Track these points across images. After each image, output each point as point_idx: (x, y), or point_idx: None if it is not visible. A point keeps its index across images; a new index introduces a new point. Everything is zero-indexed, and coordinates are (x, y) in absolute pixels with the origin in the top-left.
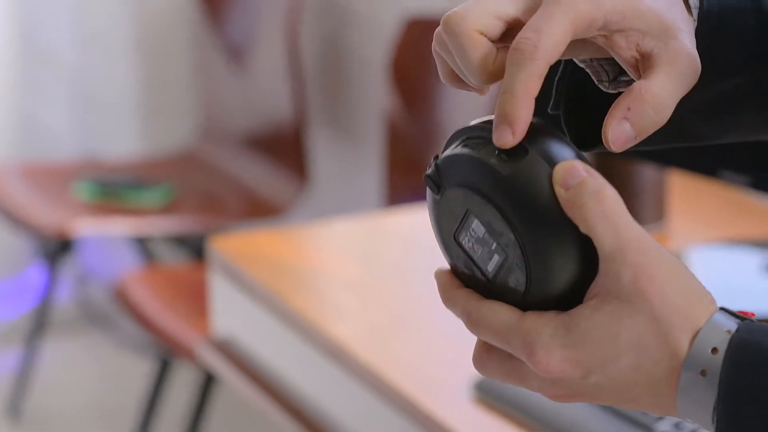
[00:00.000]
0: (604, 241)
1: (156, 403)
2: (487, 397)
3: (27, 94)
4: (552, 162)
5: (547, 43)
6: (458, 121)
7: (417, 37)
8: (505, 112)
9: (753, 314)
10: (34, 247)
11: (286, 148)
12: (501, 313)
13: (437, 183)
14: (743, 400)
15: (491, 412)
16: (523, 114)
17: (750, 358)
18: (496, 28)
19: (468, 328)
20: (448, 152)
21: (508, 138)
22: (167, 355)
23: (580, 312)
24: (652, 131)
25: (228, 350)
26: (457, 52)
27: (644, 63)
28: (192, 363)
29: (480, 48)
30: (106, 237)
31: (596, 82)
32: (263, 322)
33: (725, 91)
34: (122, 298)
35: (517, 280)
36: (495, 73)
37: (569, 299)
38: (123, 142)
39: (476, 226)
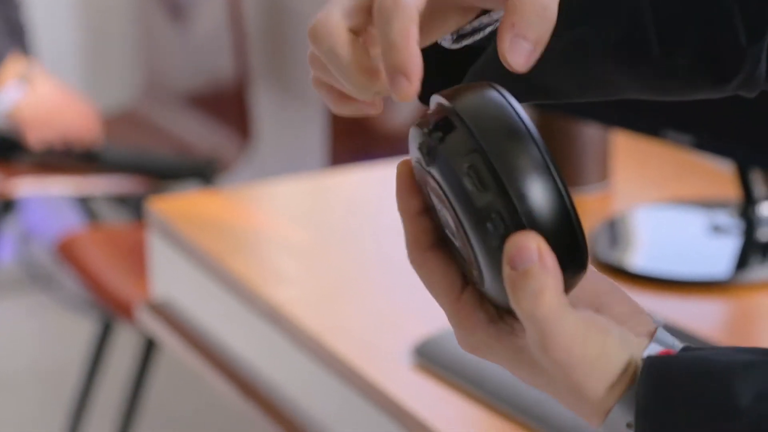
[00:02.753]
0: (528, 335)
1: (98, 364)
2: (426, 362)
3: None
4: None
5: None
6: None
7: None
8: (392, 65)
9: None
10: None
11: (228, 107)
12: (441, 282)
13: (428, 153)
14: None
15: (431, 377)
16: (412, 57)
17: (661, 380)
18: (361, 19)
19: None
20: (452, 144)
21: (406, 89)
22: (109, 316)
23: (505, 341)
24: (548, 34)
25: (166, 313)
26: (330, 59)
27: None
28: (133, 324)
29: (348, 44)
30: (49, 197)
31: (439, 43)
32: (202, 284)
33: (574, 42)
34: (63, 257)
35: (464, 265)
36: (374, 69)
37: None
38: None
39: (445, 214)
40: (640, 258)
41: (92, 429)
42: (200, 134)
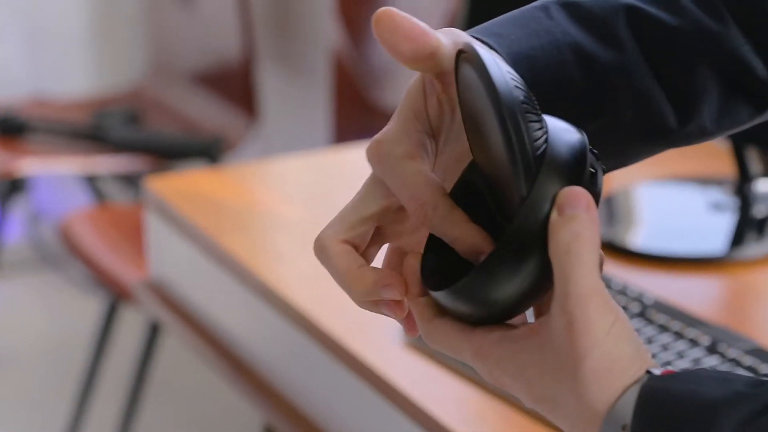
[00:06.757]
0: (556, 279)
1: (105, 342)
2: (417, 341)
3: None
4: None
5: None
6: None
7: None
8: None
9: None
10: None
11: (234, 85)
12: (450, 332)
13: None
14: None
15: (421, 356)
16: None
17: (653, 409)
18: (366, 233)
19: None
20: None
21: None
22: (113, 295)
23: (521, 340)
24: None
25: (162, 292)
26: (333, 276)
27: None
28: (133, 303)
29: (346, 263)
30: (58, 176)
31: None
32: (198, 263)
33: (601, 131)
34: (66, 238)
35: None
36: (372, 289)
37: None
38: (74, 78)
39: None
40: (636, 235)
41: (100, 405)
42: (206, 113)
